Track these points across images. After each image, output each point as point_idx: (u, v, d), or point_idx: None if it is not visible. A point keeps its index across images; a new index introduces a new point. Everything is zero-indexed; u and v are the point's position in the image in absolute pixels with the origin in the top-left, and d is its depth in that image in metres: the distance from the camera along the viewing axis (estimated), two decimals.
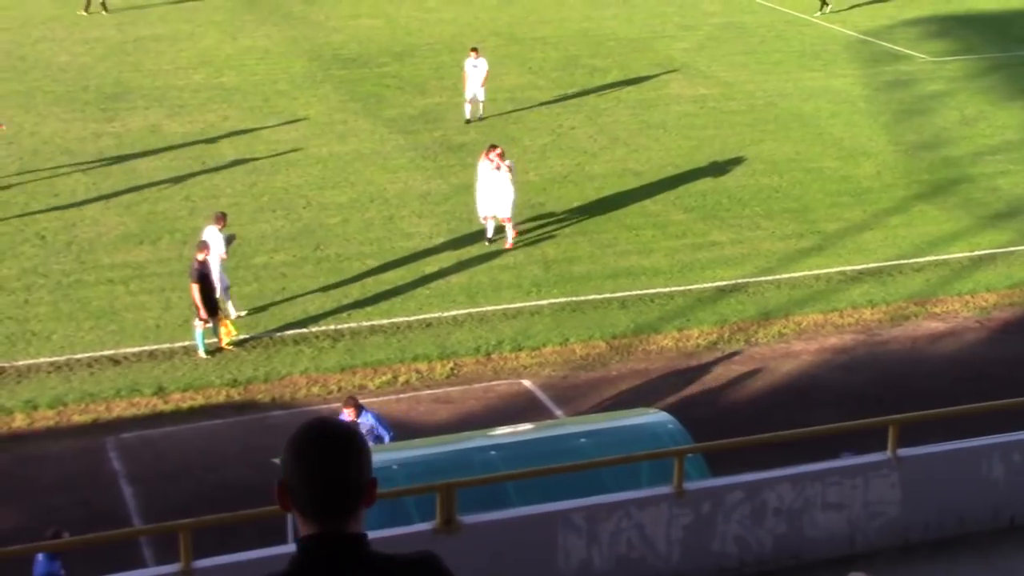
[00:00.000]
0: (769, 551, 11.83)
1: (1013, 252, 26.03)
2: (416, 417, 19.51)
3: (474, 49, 33.18)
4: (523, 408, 19.78)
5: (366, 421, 16.69)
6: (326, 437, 3.83)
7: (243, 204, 26.88)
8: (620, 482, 12.63)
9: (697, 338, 22.27)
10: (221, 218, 22.62)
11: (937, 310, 23.71)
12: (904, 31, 43.61)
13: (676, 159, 30.55)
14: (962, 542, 12.28)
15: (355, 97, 34.98)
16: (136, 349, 21.22)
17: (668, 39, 41.90)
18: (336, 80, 36.53)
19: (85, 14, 43.11)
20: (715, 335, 22.40)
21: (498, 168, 25.19)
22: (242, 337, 21.57)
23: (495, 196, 25.25)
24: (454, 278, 24.09)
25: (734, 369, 21.40)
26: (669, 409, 16.85)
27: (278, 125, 32.38)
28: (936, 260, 25.56)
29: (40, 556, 13.23)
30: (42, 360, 20.86)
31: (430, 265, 24.54)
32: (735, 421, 18.64)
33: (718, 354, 21.85)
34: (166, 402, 19.83)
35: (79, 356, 20.98)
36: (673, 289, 23.91)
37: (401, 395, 20.28)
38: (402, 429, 18.30)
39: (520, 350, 21.58)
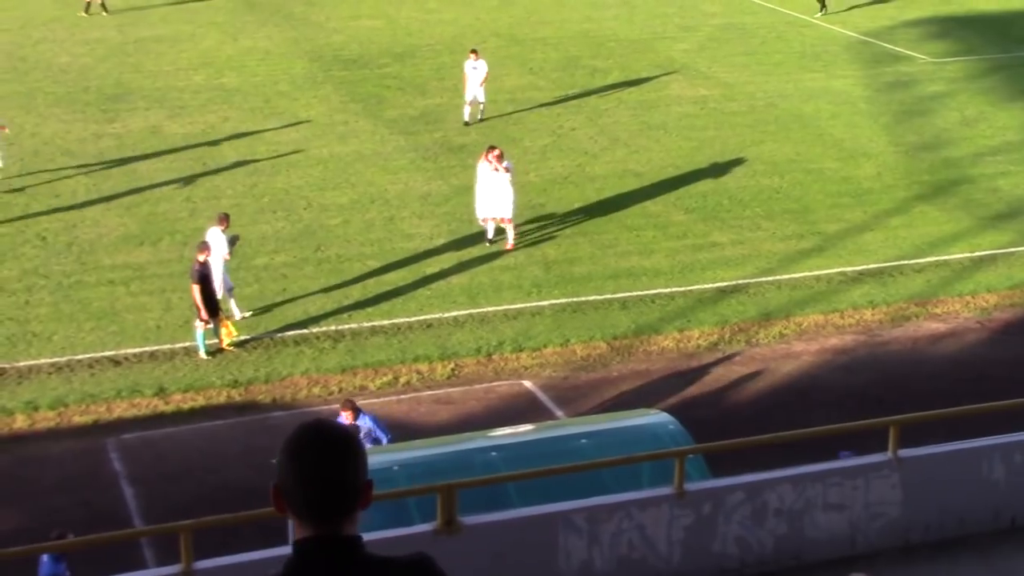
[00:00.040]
0: (770, 552, 11.83)
1: (1014, 253, 26.03)
2: (417, 418, 19.52)
3: (473, 51, 33.18)
4: (524, 409, 19.78)
5: (364, 424, 16.68)
6: (322, 439, 3.82)
7: (244, 205, 26.88)
8: (621, 483, 12.62)
9: (698, 339, 22.27)
10: (224, 219, 22.63)
11: (938, 311, 23.71)
12: (904, 32, 43.61)
13: (677, 160, 30.56)
14: (963, 543, 12.27)
15: (356, 98, 34.99)
16: (137, 350, 21.23)
17: (669, 40, 41.90)
18: (337, 81, 36.54)
19: (86, 15, 43.13)
20: (716, 336, 22.40)
21: (496, 170, 25.20)
22: (243, 338, 21.58)
23: (495, 197, 25.25)
24: (455, 279, 24.09)
25: (735, 370, 21.40)
26: (670, 410, 16.85)
27: (279, 126, 32.39)
28: (937, 261, 25.56)
29: (45, 557, 13.23)
30: (43, 361, 20.87)
31: (431, 266, 24.55)
32: (736, 422, 18.64)
33: (719, 355, 21.85)
34: (167, 403, 19.84)
35: (80, 357, 20.99)
36: (674, 290, 23.91)
37: (402, 396, 20.29)
38: (403, 430, 18.31)
39: (521, 351, 21.59)
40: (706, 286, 24.09)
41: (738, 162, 30.49)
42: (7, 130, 28.30)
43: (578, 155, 30.81)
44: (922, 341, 22.68)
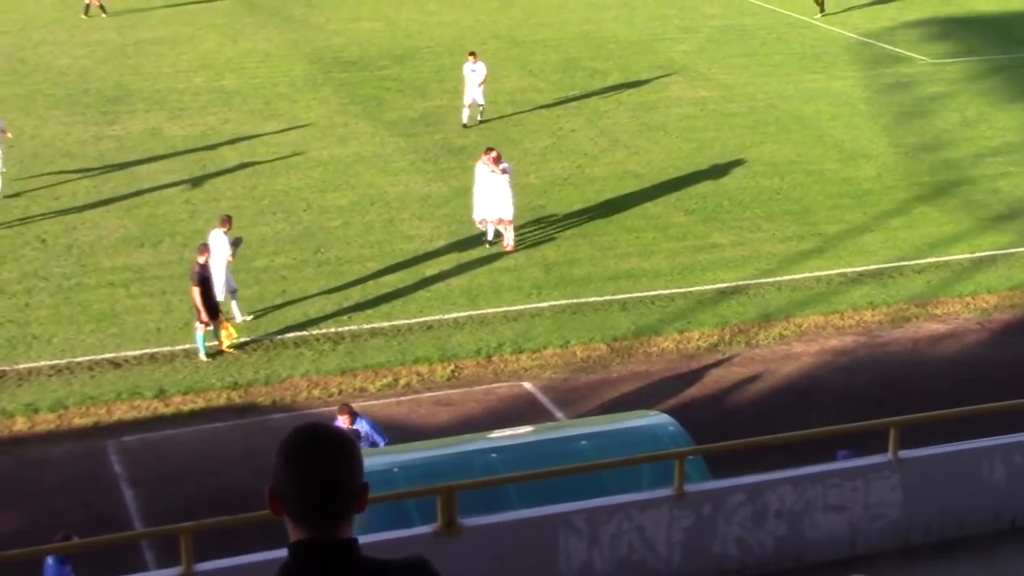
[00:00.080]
0: (770, 553, 11.83)
1: (1014, 254, 26.03)
2: (417, 419, 19.51)
3: (472, 53, 33.19)
4: (524, 410, 19.78)
5: (361, 428, 16.66)
6: (318, 442, 3.81)
7: (244, 207, 26.88)
8: (621, 484, 12.62)
9: (698, 340, 22.26)
10: (227, 221, 22.60)
11: (938, 312, 23.71)
12: (904, 33, 43.62)
13: (677, 161, 30.56)
14: (963, 544, 12.27)
15: (356, 100, 34.99)
16: (137, 352, 21.23)
17: (668, 41, 41.91)
18: (337, 83, 36.55)
19: (85, 17, 43.14)
20: (716, 337, 22.39)
21: (493, 171, 25.21)
22: (243, 340, 21.58)
23: (493, 199, 25.25)
24: (455, 280, 24.09)
25: (735, 371, 21.40)
26: (670, 411, 16.85)
27: (279, 128, 32.39)
28: (937, 262, 25.56)
29: (50, 559, 13.23)
30: (43, 363, 20.87)
31: (431, 267, 24.55)
32: (736, 423, 18.63)
33: (719, 356, 21.85)
34: (167, 405, 19.83)
35: (80, 359, 20.98)
36: (674, 291, 23.91)
37: (402, 397, 20.29)
38: (403, 432, 18.30)
39: (521, 352, 21.58)
40: (706, 287, 24.09)
41: (738, 163, 30.49)
42: (9, 134, 28.29)
43: (578, 156, 30.82)
44: (922, 342, 22.68)
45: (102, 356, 21.07)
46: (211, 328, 21.07)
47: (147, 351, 21.27)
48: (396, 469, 14.22)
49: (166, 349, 21.35)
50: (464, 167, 28.89)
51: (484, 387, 20.66)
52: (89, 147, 30.79)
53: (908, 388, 20.54)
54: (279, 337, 21.86)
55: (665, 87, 36.61)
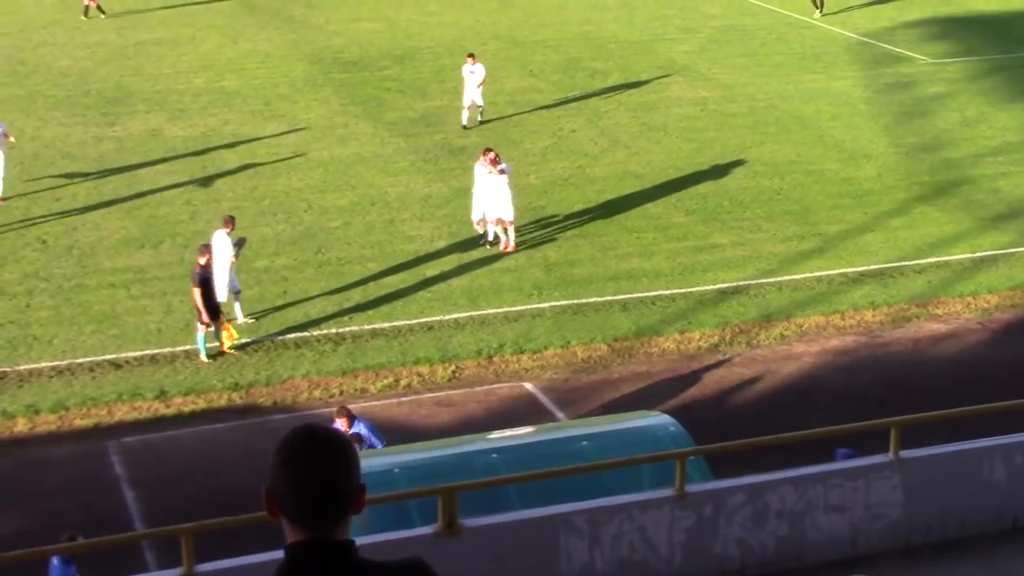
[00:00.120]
0: (771, 553, 11.82)
1: (1014, 253, 26.03)
2: (417, 420, 19.51)
3: (471, 55, 33.19)
4: (525, 411, 19.77)
5: (359, 431, 16.64)
6: (314, 443, 3.80)
7: (244, 208, 26.87)
8: (622, 485, 12.62)
9: (698, 340, 22.26)
10: (230, 222, 22.56)
11: (938, 312, 23.70)
12: (905, 33, 43.62)
13: (677, 161, 30.56)
14: (964, 544, 12.26)
15: (356, 100, 35.00)
16: (138, 353, 21.23)
17: (669, 42, 41.91)
18: (337, 83, 36.55)
19: (85, 19, 43.15)
20: (716, 337, 22.39)
21: (491, 172, 25.21)
22: (244, 341, 21.58)
23: (494, 200, 25.25)
24: (455, 281, 24.09)
25: (736, 371, 21.40)
26: (671, 411, 16.85)
27: (279, 129, 32.40)
28: (937, 262, 25.55)
29: (55, 560, 13.23)
30: (44, 364, 20.87)
31: (431, 268, 24.55)
32: (737, 423, 18.63)
33: (719, 356, 21.85)
34: (168, 406, 19.83)
35: (81, 360, 20.98)
36: (674, 291, 23.91)
37: (402, 398, 20.29)
38: (403, 432, 18.31)
39: (521, 353, 21.58)
40: (707, 288, 24.09)
41: (738, 163, 30.49)
42: (11, 138, 28.25)
43: (578, 157, 30.82)
44: (923, 342, 22.67)
45: (103, 357, 21.07)
46: (212, 329, 21.07)
47: (148, 352, 21.27)
48: (397, 470, 14.23)
49: (167, 350, 21.35)
50: (464, 167, 28.89)
51: (485, 388, 20.66)
52: (90, 148, 30.80)
53: (909, 388, 20.53)
54: (280, 338, 21.86)
55: (665, 87, 36.61)
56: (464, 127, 32.52)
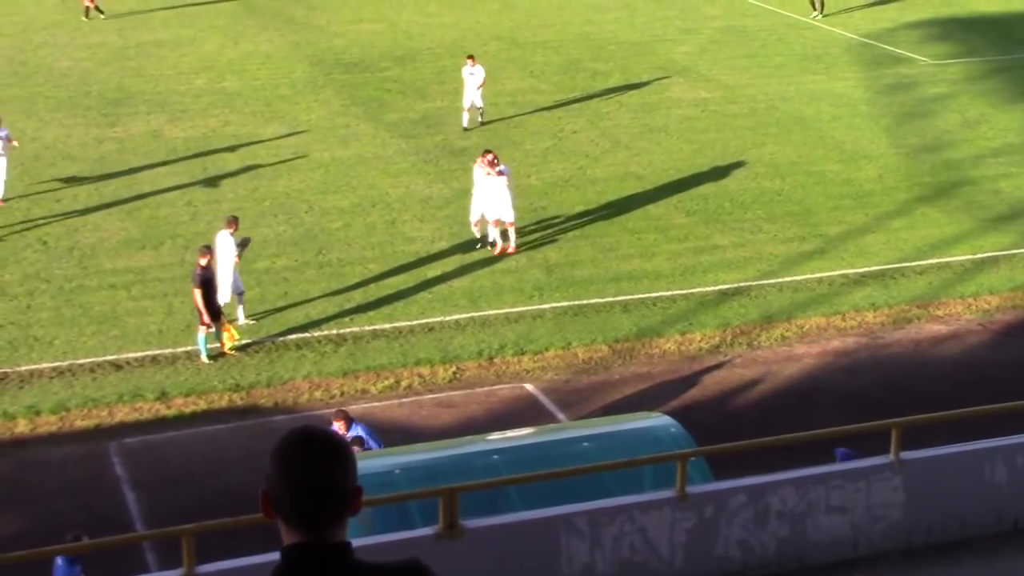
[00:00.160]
0: (772, 554, 11.82)
1: (1015, 255, 26.02)
2: (418, 421, 19.51)
3: (470, 56, 33.19)
4: (525, 412, 19.77)
5: (356, 434, 16.63)
6: (311, 445, 3.79)
7: (245, 209, 26.86)
8: (623, 486, 12.61)
9: (699, 341, 22.26)
10: (233, 222, 22.54)
11: (939, 313, 23.70)
12: (905, 34, 43.61)
13: (678, 163, 30.56)
14: (965, 545, 12.26)
15: (357, 101, 35.00)
16: (139, 354, 21.23)
17: (669, 43, 41.91)
18: (338, 85, 36.56)
19: (86, 20, 43.16)
20: (717, 338, 22.39)
21: (489, 174, 25.20)
22: (244, 342, 21.58)
23: (492, 202, 25.24)
24: (456, 282, 24.09)
25: (736, 372, 21.39)
26: (672, 412, 16.84)
27: (280, 130, 32.41)
28: (938, 263, 25.55)
29: (59, 560, 13.23)
30: (44, 365, 20.87)
31: (432, 269, 24.55)
32: (738, 424, 18.62)
33: (720, 357, 21.84)
34: (169, 407, 19.83)
35: (81, 361, 20.99)
36: (675, 292, 23.91)
37: (403, 399, 20.28)
38: (404, 433, 18.31)
39: (522, 354, 21.58)
40: (707, 289, 24.08)
41: (739, 164, 30.49)
42: (15, 143, 28.21)
43: (579, 158, 30.82)
44: (924, 343, 22.67)
45: (104, 358, 21.08)
46: (213, 330, 21.07)
47: (149, 353, 21.27)
48: (398, 471, 14.22)
49: (168, 351, 21.35)
50: (465, 169, 28.88)
51: (486, 389, 20.66)
52: (90, 149, 30.80)
53: (910, 389, 20.53)
54: (281, 339, 21.86)
55: (666, 88, 36.61)
56: (465, 129, 32.52)
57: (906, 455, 12.19)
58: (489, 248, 25.44)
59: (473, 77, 32.47)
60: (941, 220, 27.65)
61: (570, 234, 26.45)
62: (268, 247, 25.23)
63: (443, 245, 25.60)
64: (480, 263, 24.93)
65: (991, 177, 30.20)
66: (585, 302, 23.41)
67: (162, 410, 19.76)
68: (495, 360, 21.38)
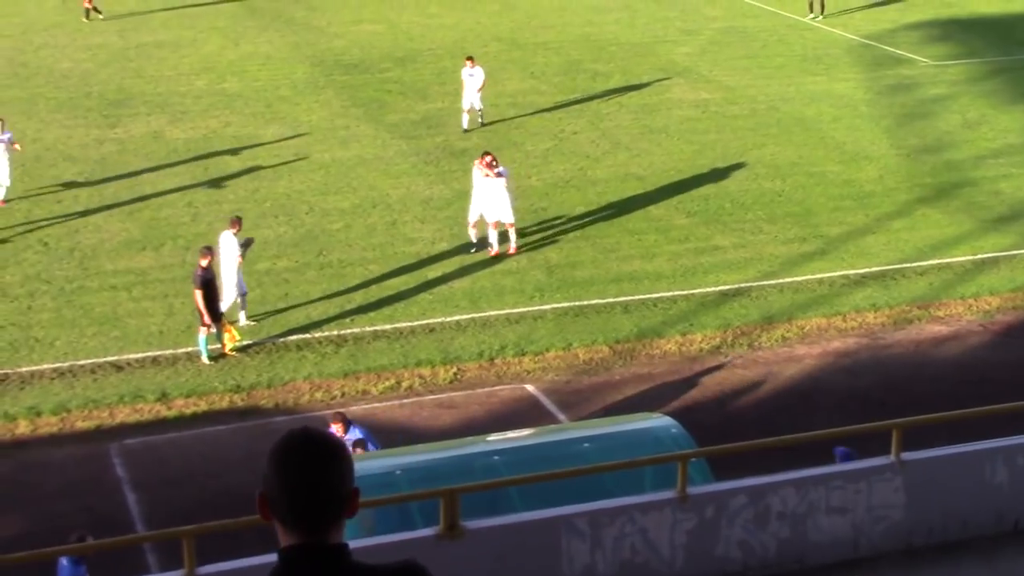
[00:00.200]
0: (773, 555, 11.82)
1: (1016, 255, 26.02)
2: (419, 422, 19.51)
3: (469, 58, 33.19)
4: (526, 413, 19.77)
5: (354, 436, 16.62)
6: (308, 446, 3.78)
7: (246, 210, 26.85)
8: (623, 487, 12.61)
9: (700, 342, 22.26)
10: (236, 222, 22.56)
11: (940, 313, 23.69)
12: (906, 35, 43.62)
13: (678, 163, 30.56)
14: (966, 546, 12.25)
15: (357, 102, 35.01)
16: (139, 355, 21.23)
17: (670, 44, 41.92)
18: (338, 86, 36.57)
19: (86, 21, 43.19)
20: (718, 339, 22.39)
21: (487, 176, 25.20)
22: (245, 343, 21.58)
23: (491, 204, 25.23)
24: (457, 283, 24.09)
25: (737, 373, 21.39)
26: (672, 413, 16.84)
27: (280, 131, 32.42)
28: (939, 264, 25.55)
29: (64, 560, 13.24)
30: (45, 366, 20.88)
31: (433, 270, 24.55)
32: (738, 425, 18.62)
33: (721, 358, 21.84)
34: (169, 408, 19.84)
35: (82, 362, 20.99)
36: (676, 293, 23.91)
37: (404, 400, 20.28)
38: (405, 434, 18.31)
39: (523, 355, 21.58)
40: (708, 289, 24.08)
41: (740, 165, 30.49)
42: (17, 147, 28.21)
43: (580, 159, 30.82)
44: (924, 344, 22.67)
45: (104, 359, 21.08)
46: (214, 331, 21.07)
47: (149, 354, 21.27)
48: (398, 472, 14.22)
49: (168, 352, 21.35)
50: (466, 170, 28.88)
51: (486, 389, 20.66)
52: (91, 150, 30.81)
53: (910, 390, 20.53)
54: (281, 340, 21.87)
55: (667, 89, 36.62)
56: (465, 130, 32.53)
57: (907, 456, 12.19)
58: (488, 250, 25.39)
59: (472, 79, 32.47)
60: (942, 221, 27.65)
61: (571, 235, 26.45)
62: (269, 248, 25.23)
63: (444, 246, 25.60)
64: (481, 264, 24.94)
65: (991, 178, 30.20)
66: (586, 303, 23.41)
67: (163, 411, 19.76)
68: (496, 361, 21.39)
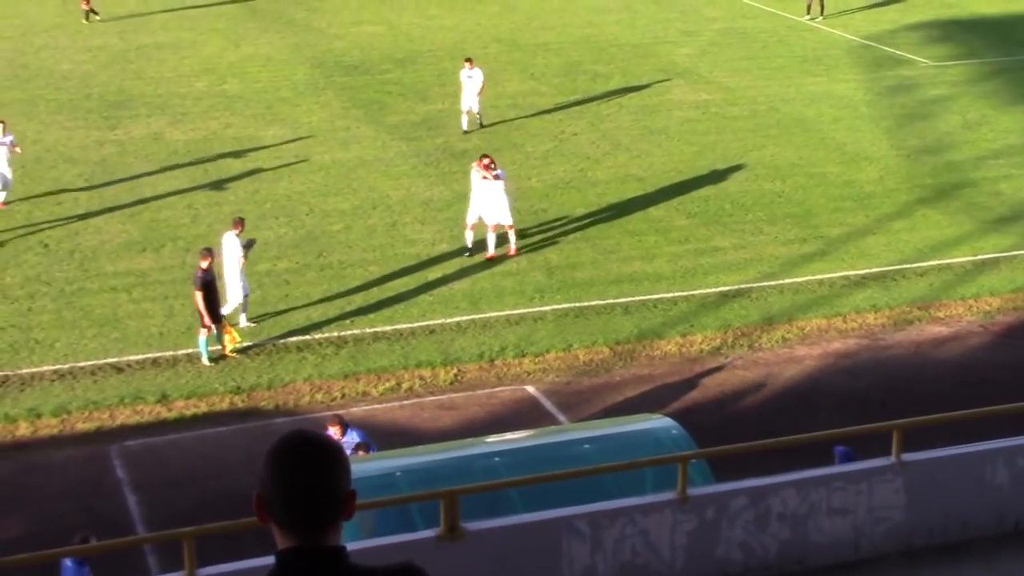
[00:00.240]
0: (774, 557, 11.81)
1: (1016, 256, 26.02)
2: (420, 424, 19.50)
3: (468, 59, 33.18)
4: (527, 414, 19.77)
5: (351, 439, 16.61)
6: (305, 448, 3.78)
7: (246, 211, 26.84)
8: (624, 488, 12.60)
9: (700, 343, 22.25)
10: (239, 223, 22.57)
11: (940, 314, 23.69)
12: (906, 35, 43.62)
13: (678, 165, 30.56)
14: (966, 547, 12.25)
15: (357, 104, 35.01)
16: (139, 357, 21.23)
17: (670, 45, 41.92)
18: (338, 87, 36.57)
19: (86, 23, 43.20)
20: (718, 340, 22.38)
21: (485, 178, 25.19)
22: (245, 344, 21.58)
23: (490, 206, 25.22)
24: (457, 284, 24.09)
25: (737, 374, 21.39)
26: (673, 414, 16.84)
27: (281, 132, 32.43)
28: (939, 264, 25.55)
29: (68, 562, 13.23)
30: (45, 368, 20.88)
31: (433, 271, 24.55)
32: (739, 426, 18.62)
33: (721, 359, 21.84)
34: (170, 409, 19.83)
35: (82, 364, 20.99)
36: (676, 294, 23.91)
37: (404, 401, 20.28)
38: (405, 436, 18.31)
39: (523, 356, 21.57)
40: (708, 290, 24.08)
41: (740, 166, 30.49)
42: (18, 150, 28.20)
43: (580, 160, 30.82)
44: (925, 345, 22.66)
45: (105, 361, 21.08)
46: (214, 332, 21.07)
47: (150, 355, 21.27)
48: (399, 473, 14.22)
49: (168, 353, 21.35)
50: (466, 171, 28.85)
51: (487, 391, 20.65)
52: (91, 152, 30.82)
53: (911, 391, 20.52)
54: (282, 341, 21.86)
55: (667, 90, 36.62)
56: (464, 132, 32.53)
57: (907, 457, 12.18)
58: (485, 253, 25.36)
59: (471, 80, 32.47)
60: (942, 222, 27.65)
61: (571, 236, 26.45)
62: (269, 249, 25.23)
63: (444, 247, 25.60)
64: (480, 265, 24.94)
65: (992, 179, 30.20)
66: (586, 304, 23.41)
67: (163, 412, 19.76)
68: (496, 362, 21.38)
